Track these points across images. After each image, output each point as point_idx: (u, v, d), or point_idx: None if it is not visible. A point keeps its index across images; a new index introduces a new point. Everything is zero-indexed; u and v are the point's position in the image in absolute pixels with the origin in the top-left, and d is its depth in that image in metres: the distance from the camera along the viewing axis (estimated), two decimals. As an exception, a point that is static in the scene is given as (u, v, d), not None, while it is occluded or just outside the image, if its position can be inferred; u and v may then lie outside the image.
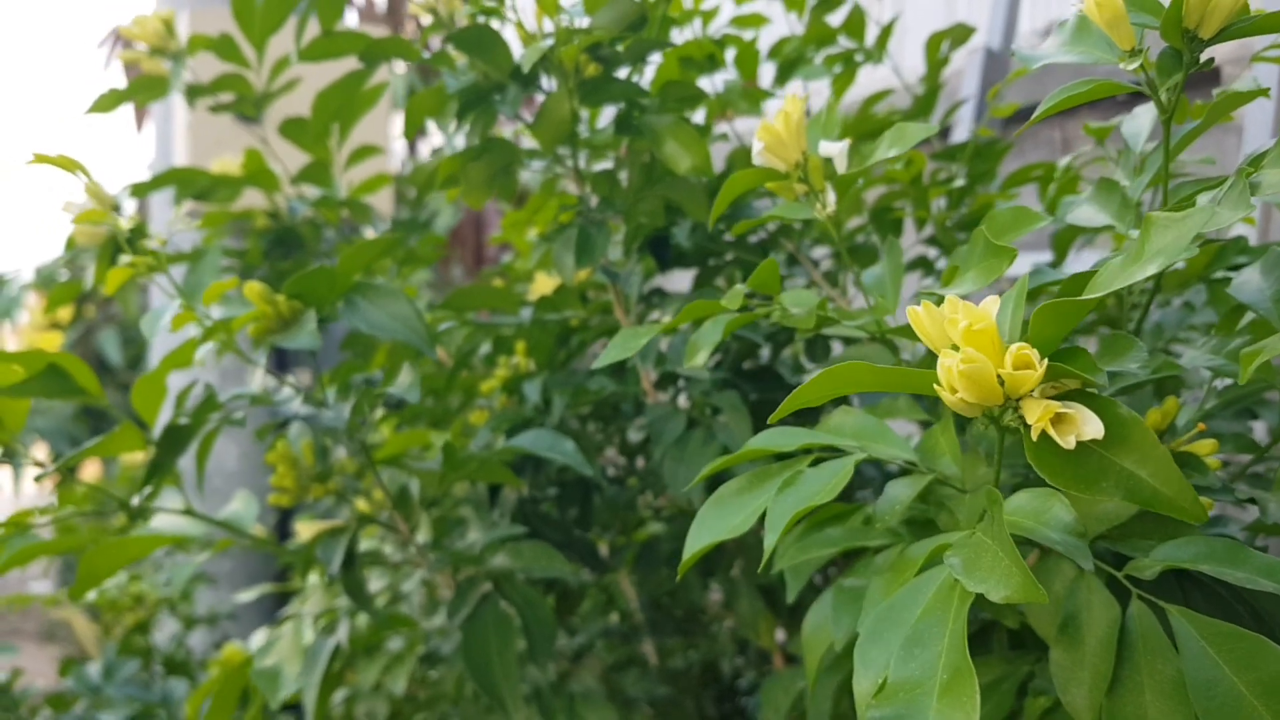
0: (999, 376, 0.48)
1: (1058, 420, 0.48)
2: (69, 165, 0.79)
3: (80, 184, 0.85)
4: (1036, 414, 0.48)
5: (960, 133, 1.80)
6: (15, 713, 1.64)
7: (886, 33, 1.30)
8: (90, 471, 3.16)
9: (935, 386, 0.50)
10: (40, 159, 0.77)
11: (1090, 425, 0.47)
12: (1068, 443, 0.47)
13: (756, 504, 0.62)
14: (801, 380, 0.63)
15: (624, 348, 0.78)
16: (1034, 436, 0.48)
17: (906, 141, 0.72)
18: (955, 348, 0.49)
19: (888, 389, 0.54)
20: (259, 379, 0.90)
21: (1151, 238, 0.50)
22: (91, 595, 1.91)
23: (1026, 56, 0.68)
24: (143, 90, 1.20)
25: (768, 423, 0.60)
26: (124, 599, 1.93)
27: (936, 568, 0.53)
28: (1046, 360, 0.48)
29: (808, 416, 0.94)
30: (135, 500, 0.91)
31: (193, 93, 1.21)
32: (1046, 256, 1.22)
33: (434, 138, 2.66)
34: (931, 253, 1.30)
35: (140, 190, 1.21)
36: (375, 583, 1.30)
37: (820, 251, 1.30)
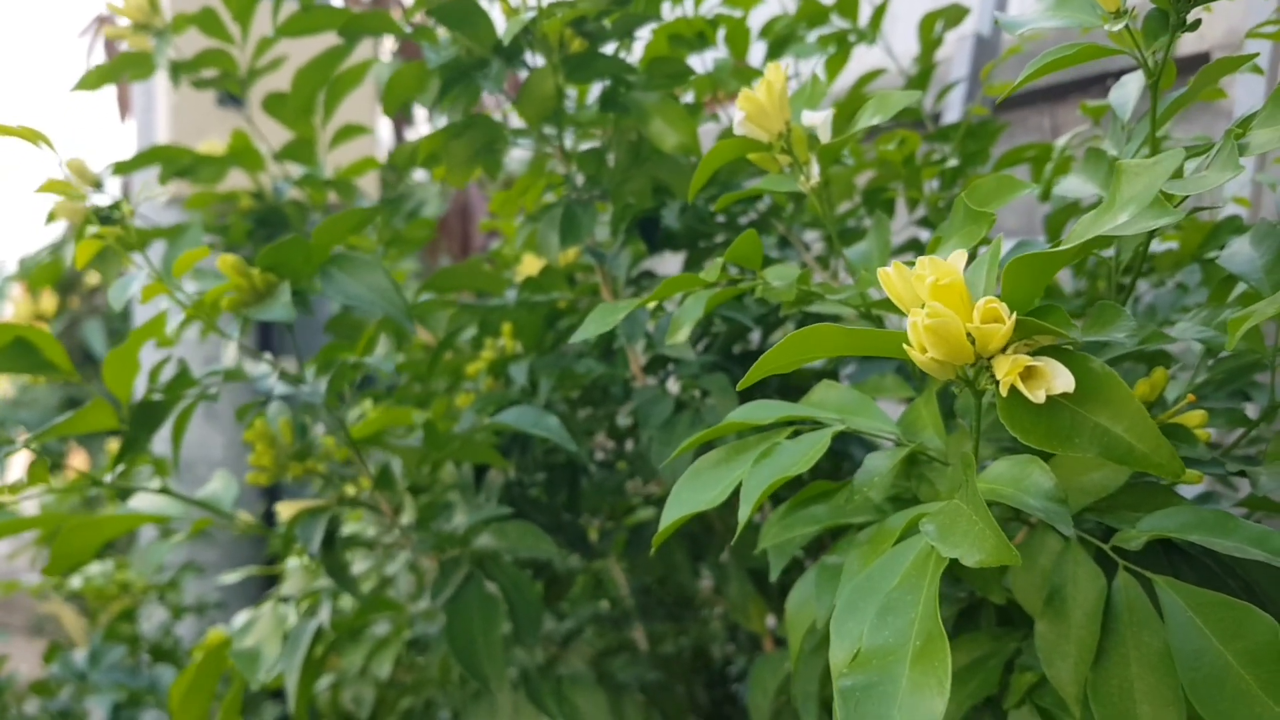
0: (969, 334, 0.47)
1: (1027, 375, 0.47)
2: (31, 136, 0.77)
3: (64, 165, 0.84)
4: (1005, 369, 0.46)
5: (951, 118, 1.79)
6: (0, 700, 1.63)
7: (880, 12, 1.29)
8: (76, 461, 3.15)
9: (905, 347, 0.48)
10: (3, 131, 0.75)
11: (1060, 379, 0.46)
12: (1037, 397, 0.46)
13: (733, 476, 0.61)
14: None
15: (601, 322, 0.76)
16: (1003, 392, 0.47)
17: (889, 109, 0.71)
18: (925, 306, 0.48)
19: (857, 352, 0.53)
20: (233, 353, 0.88)
21: (1123, 186, 0.49)
22: (77, 583, 1.90)
23: (1009, 22, 0.67)
24: (128, 67, 1.18)
25: (737, 389, 0.59)
26: (110, 587, 1.91)
27: (914, 537, 0.52)
28: (1015, 314, 0.46)
29: (793, 397, 0.93)
30: (109, 478, 0.90)
31: (177, 69, 1.20)
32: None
33: (421, 127, 2.65)
34: (924, 234, 1.29)
35: (123, 168, 1.19)
36: (360, 565, 1.29)
37: (812, 235, 1.28)
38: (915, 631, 0.45)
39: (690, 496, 0.62)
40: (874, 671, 0.45)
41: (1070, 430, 0.47)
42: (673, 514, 0.62)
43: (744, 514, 0.57)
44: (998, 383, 0.47)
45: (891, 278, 0.50)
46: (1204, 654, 0.50)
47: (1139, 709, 0.54)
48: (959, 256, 0.48)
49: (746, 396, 0.96)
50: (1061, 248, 0.48)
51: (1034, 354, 0.48)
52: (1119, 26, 0.59)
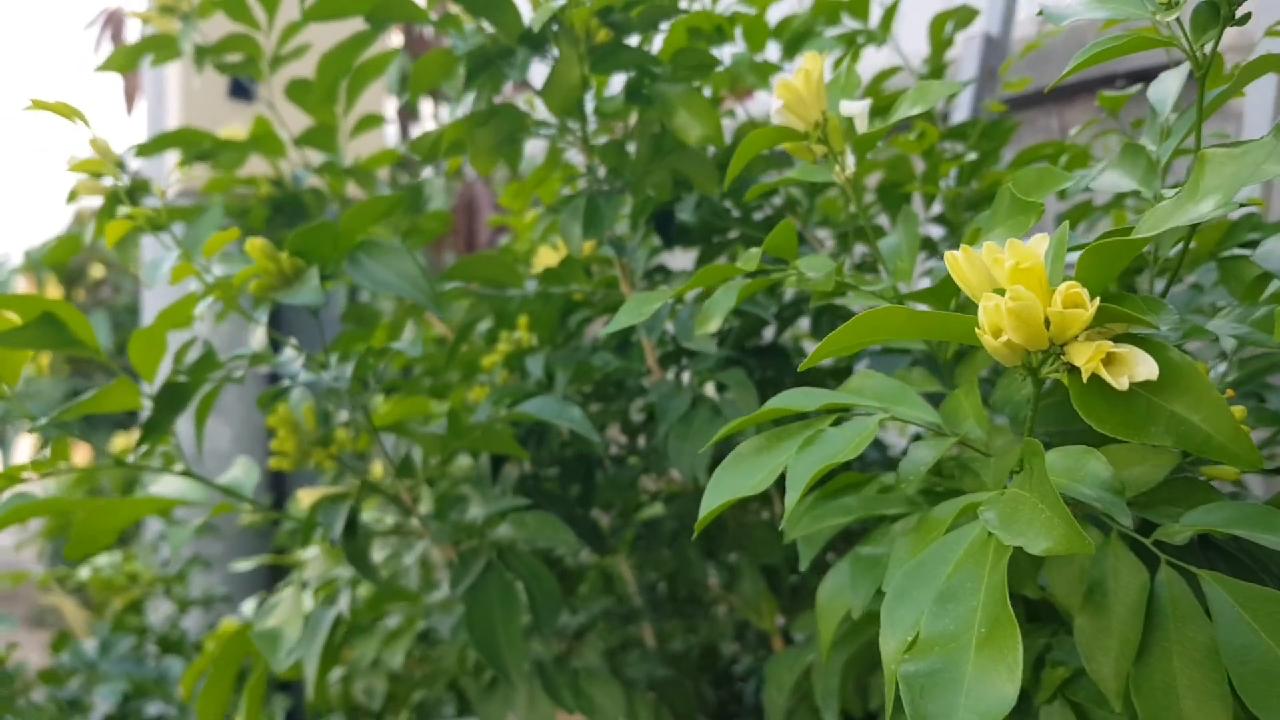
0: (1045, 319, 0.46)
1: (1108, 361, 0.46)
2: (68, 112, 0.76)
3: (89, 144, 0.83)
4: (1086, 355, 0.46)
5: (959, 118, 1.79)
6: (8, 688, 1.62)
7: (891, 13, 1.29)
8: (81, 457, 3.13)
9: (977, 331, 0.48)
10: (39, 105, 0.74)
11: (1144, 366, 0.45)
12: (1120, 384, 0.45)
13: (776, 462, 0.60)
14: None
15: (634, 313, 0.75)
16: (1084, 378, 0.46)
17: (930, 99, 0.70)
18: (999, 292, 0.47)
19: (926, 335, 0.52)
20: (260, 337, 0.88)
21: (1205, 174, 0.48)
22: (85, 573, 1.88)
23: (1054, 12, 0.67)
24: (153, 48, 1.19)
25: (799, 371, 0.58)
26: (118, 578, 1.90)
27: (968, 525, 0.51)
28: (1098, 300, 0.46)
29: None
30: (132, 458, 0.89)
31: (201, 53, 1.20)
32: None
33: (426, 124, 2.65)
34: (935, 232, 1.29)
35: (146, 149, 1.19)
36: (375, 555, 1.28)
37: (822, 234, 1.28)
38: (979, 618, 0.44)
39: (733, 483, 0.61)
40: (937, 657, 0.44)
41: (1146, 419, 0.47)
42: (715, 500, 0.61)
43: (791, 499, 0.56)
44: (1071, 369, 0.47)
45: (959, 262, 0.50)
46: (1252, 649, 0.50)
47: (1182, 704, 0.53)
48: (1039, 241, 0.47)
49: (764, 392, 0.96)
50: (1138, 235, 0.48)
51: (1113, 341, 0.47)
52: (1172, 17, 0.59)
